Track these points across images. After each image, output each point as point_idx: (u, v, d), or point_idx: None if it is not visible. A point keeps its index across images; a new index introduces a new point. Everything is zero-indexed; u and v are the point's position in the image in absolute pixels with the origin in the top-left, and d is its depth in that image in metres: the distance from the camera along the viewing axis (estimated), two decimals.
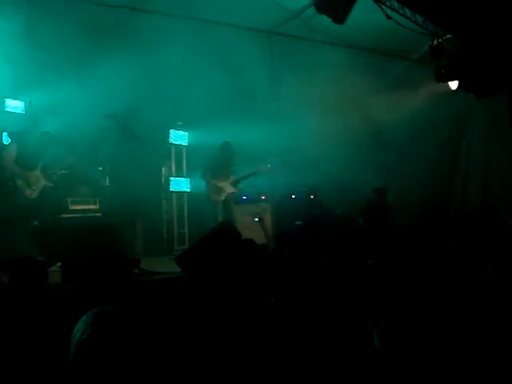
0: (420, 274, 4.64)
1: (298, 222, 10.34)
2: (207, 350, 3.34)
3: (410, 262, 5.09)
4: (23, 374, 3.24)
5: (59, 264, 6.50)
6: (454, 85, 10.19)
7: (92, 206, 8.35)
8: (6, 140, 8.10)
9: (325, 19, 7.44)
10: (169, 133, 10.22)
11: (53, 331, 3.73)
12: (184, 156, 10.62)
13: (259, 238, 9.02)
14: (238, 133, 9.30)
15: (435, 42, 9.17)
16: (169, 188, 10.22)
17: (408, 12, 8.54)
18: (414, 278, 4.42)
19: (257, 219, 8.95)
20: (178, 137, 10.40)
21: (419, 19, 8.85)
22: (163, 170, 10.34)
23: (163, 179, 10.32)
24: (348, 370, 2.82)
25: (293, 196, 11.03)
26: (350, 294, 3.80)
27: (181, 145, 10.52)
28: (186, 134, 10.46)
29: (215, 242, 5.55)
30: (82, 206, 8.20)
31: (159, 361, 2.50)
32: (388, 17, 7.78)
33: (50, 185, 7.47)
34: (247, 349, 3.23)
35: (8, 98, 8.37)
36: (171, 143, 10.37)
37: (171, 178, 10.26)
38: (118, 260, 5.85)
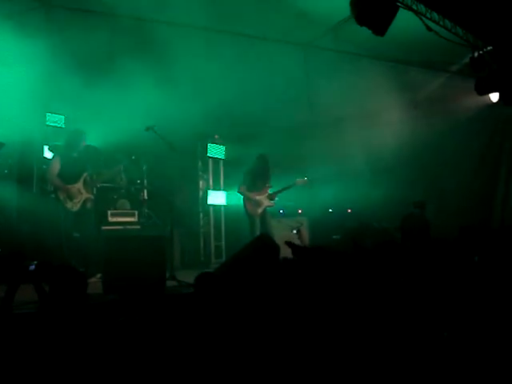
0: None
1: (335, 236, 10.24)
2: None
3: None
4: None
5: (99, 275, 6.57)
6: (494, 97, 10.03)
7: (131, 219, 8.43)
8: (48, 153, 8.25)
9: (361, 32, 7.41)
10: (206, 146, 10.26)
11: (90, 338, 3.82)
12: (221, 169, 10.63)
13: None
14: (276, 145, 9.30)
15: (476, 54, 9.04)
16: (206, 201, 10.25)
17: (448, 24, 8.46)
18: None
19: (295, 231, 8.91)
20: (216, 150, 10.43)
21: (460, 31, 8.76)
22: (201, 183, 10.38)
23: (200, 192, 10.38)
24: None
25: (330, 210, 10.95)
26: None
27: (218, 158, 10.55)
28: (223, 147, 10.48)
29: (255, 254, 5.50)
30: (122, 219, 8.30)
31: None
32: (429, 28, 7.69)
33: (92, 198, 7.55)
34: None
35: (49, 112, 8.55)
36: (209, 156, 10.40)
37: (208, 191, 10.28)
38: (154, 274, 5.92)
